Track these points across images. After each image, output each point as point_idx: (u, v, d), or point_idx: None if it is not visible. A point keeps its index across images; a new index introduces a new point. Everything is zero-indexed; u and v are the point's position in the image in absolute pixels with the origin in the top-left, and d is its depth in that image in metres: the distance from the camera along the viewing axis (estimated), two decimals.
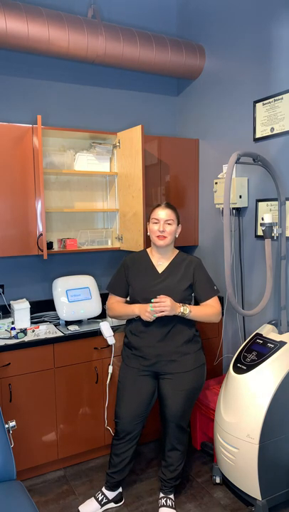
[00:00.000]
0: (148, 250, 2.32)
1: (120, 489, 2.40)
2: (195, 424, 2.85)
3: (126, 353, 2.32)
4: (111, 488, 2.35)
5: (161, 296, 2.09)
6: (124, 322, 2.45)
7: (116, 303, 2.32)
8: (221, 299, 3.08)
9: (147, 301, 2.16)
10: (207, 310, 2.21)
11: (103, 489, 2.37)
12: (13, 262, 2.95)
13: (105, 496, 2.35)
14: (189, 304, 2.23)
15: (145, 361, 2.22)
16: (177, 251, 2.31)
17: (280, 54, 2.51)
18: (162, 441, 2.36)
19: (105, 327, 2.60)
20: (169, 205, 2.21)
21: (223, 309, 3.06)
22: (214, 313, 2.22)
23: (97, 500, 2.34)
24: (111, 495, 2.36)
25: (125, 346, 2.33)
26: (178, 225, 2.23)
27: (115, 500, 2.37)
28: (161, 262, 2.25)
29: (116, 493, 2.37)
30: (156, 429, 2.92)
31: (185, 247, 3.36)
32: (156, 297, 2.11)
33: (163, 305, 2.05)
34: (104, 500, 2.33)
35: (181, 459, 2.33)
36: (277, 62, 2.53)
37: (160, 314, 2.07)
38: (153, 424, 2.84)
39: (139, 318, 2.20)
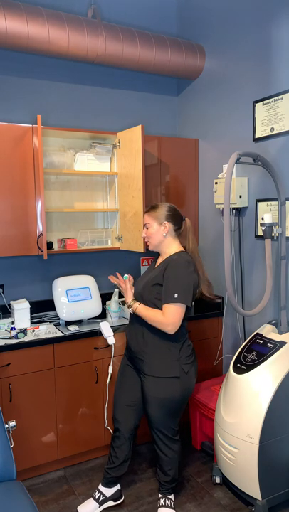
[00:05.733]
0: None
1: (118, 486, 2.39)
2: (195, 424, 2.85)
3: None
4: (107, 485, 2.35)
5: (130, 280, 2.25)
6: (124, 322, 2.46)
7: None
8: (221, 299, 3.09)
9: (134, 296, 2.25)
10: (153, 315, 2.07)
11: (100, 486, 2.36)
12: (13, 262, 2.95)
13: (102, 493, 2.34)
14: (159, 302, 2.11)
15: (128, 352, 2.31)
16: (177, 250, 2.19)
17: (280, 54, 2.51)
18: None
19: (105, 327, 2.60)
20: (148, 208, 2.21)
21: (223, 309, 3.06)
22: (159, 321, 2.04)
23: (94, 499, 2.33)
24: (108, 492, 2.35)
25: None
26: (161, 223, 2.15)
27: (114, 498, 2.36)
28: (160, 260, 2.25)
29: (113, 490, 2.36)
30: None
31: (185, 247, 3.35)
32: (137, 292, 2.23)
33: (121, 282, 2.25)
34: (101, 498, 2.33)
35: (171, 464, 2.28)
36: (277, 63, 2.53)
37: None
38: None
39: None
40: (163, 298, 2.06)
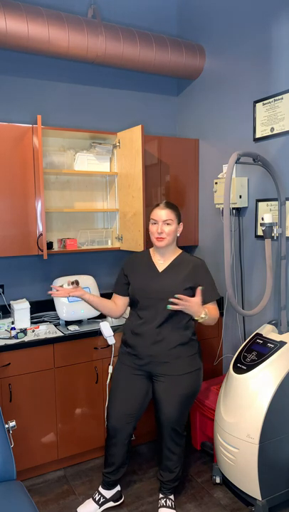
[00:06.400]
0: (150, 250, 2.30)
1: (118, 487, 2.39)
2: (195, 424, 2.85)
3: (122, 350, 2.31)
4: (107, 487, 2.34)
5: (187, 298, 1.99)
6: (124, 322, 2.45)
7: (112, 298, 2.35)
8: (221, 299, 3.09)
9: (146, 299, 2.15)
10: (214, 314, 2.14)
11: (100, 489, 2.36)
12: (13, 262, 2.95)
13: (102, 495, 2.34)
14: None
15: (139, 360, 2.20)
16: (180, 251, 2.26)
17: (280, 54, 2.51)
18: (158, 444, 2.34)
19: (105, 327, 2.59)
20: (168, 205, 2.16)
21: (222, 309, 3.06)
22: (216, 318, 2.16)
23: (94, 500, 2.33)
24: (108, 494, 2.35)
25: (122, 344, 2.32)
26: (179, 223, 2.18)
27: (114, 499, 2.36)
28: (162, 261, 2.22)
29: (113, 491, 2.36)
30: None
31: (185, 247, 3.34)
32: (155, 294, 2.12)
33: (182, 302, 1.94)
34: (101, 500, 2.33)
35: (178, 461, 2.31)
36: (277, 62, 2.53)
37: (175, 308, 1.96)
38: (153, 424, 2.84)
39: (135, 318, 2.22)
40: (206, 296, 2.13)
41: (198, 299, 1.99)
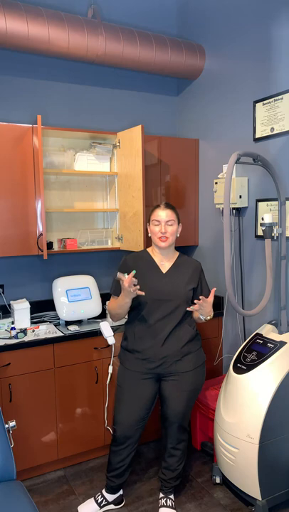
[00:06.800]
0: (149, 250, 2.28)
1: (121, 492, 2.39)
2: (195, 424, 2.85)
3: (126, 357, 2.25)
4: (111, 491, 2.34)
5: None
6: (124, 322, 2.44)
7: (113, 302, 2.23)
8: (221, 299, 3.09)
9: (155, 300, 2.14)
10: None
11: (103, 491, 2.36)
12: (13, 262, 2.95)
13: (105, 498, 2.34)
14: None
15: (150, 364, 2.17)
16: (178, 252, 2.29)
17: (280, 54, 2.51)
18: (163, 441, 2.34)
19: (105, 327, 2.59)
20: (168, 205, 2.17)
21: (222, 309, 3.07)
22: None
23: (96, 501, 2.33)
24: (111, 497, 2.34)
25: (125, 350, 2.27)
26: (178, 224, 2.20)
27: (115, 502, 2.36)
28: (163, 263, 2.22)
29: (116, 495, 2.36)
30: (157, 428, 2.92)
31: (185, 247, 3.36)
32: (164, 295, 2.16)
33: (200, 302, 2.03)
34: (103, 502, 2.33)
35: (182, 458, 2.33)
36: (278, 62, 2.53)
37: (195, 308, 2.05)
38: (153, 424, 2.84)
39: (140, 321, 2.18)
40: (207, 296, 2.18)
41: (211, 299, 2.09)
